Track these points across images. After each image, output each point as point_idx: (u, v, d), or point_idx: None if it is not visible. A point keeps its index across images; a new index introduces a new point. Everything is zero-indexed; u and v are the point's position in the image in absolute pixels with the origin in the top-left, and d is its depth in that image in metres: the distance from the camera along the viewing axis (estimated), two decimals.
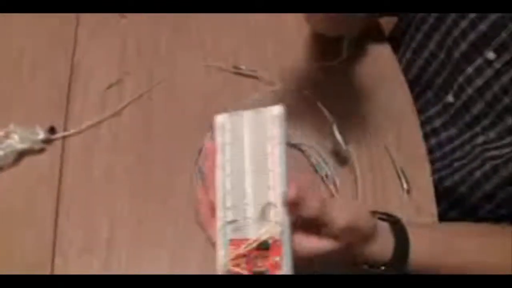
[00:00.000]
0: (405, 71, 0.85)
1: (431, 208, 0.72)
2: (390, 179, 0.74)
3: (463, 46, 0.72)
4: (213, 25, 0.86)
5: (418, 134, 0.78)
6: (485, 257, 0.60)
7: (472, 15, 0.70)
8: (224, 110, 0.73)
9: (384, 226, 0.57)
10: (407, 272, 0.56)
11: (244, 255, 0.48)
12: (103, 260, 0.68)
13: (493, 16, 0.68)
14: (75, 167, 0.74)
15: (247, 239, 0.48)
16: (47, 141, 0.75)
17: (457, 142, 0.77)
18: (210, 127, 0.55)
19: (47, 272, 0.66)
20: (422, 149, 0.77)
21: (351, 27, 0.80)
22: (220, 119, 0.53)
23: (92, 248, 0.68)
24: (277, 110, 0.51)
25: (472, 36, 0.71)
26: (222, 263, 0.49)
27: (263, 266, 0.47)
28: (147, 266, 0.68)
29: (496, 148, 0.70)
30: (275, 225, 0.48)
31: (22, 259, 0.67)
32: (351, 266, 0.56)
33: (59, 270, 0.67)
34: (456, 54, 0.74)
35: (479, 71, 0.71)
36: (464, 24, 0.72)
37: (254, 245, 0.48)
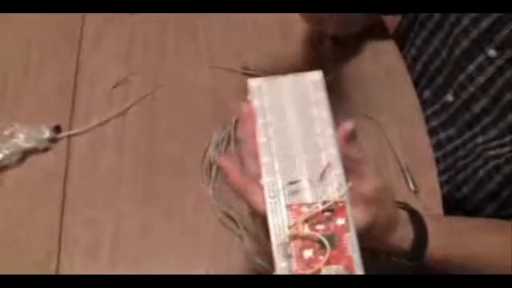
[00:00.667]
0: (409, 69, 0.84)
1: (438, 209, 0.71)
2: (396, 180, 0.73)
3: (465, 43, 0.72)
4: (220, 25, 0.86)
5: (424, 133, 0.78)
6: (495, 250, 0.60)
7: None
8: (231, 111, 0.75)
9: (404, 216, 0.57)
10: (423, 263, 0.57)
11: (306, 220, 0.46)
12: (109, 259, 0.68)
13: (494, 13, 0.68)
14: (81, 166, 0.74)
15: (305, 204, 0.46)
16: (52, 140, 0.75)
17: (457, 142, 0.77)
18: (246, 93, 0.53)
19: (52, 270, 0.66)
20: (428, 149, 0.77)
21: (353, 25, 0.80)
22: (255, 82, 0.53)
23: (97, 248, 0.68)
24: (317, 75, 0.52)
25: (473, 33, 0.71)
26: (280, 230, 0.46)
27: (329, 229, 0.45)
28: (153, 265, 0.68)
29: (497, 147, 0.70)
30: (340, 187, 0.47)
31: (28, 257, 0.67)
32: (373, 255, 0.56)
33: (65, 269, 0.67)
34: (457, 52, 0.73)
35: (480, 68, 0.70)
36: (466, 21, 0.71)
37: (322, 208, 0.46)
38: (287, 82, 0.53)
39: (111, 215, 0.71)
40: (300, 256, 0.44)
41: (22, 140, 0.73)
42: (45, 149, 0.74)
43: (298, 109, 0.51)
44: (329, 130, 0.50)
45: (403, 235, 0.56)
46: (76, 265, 0.67)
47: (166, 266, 0.68)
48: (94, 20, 0.86)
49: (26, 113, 0.77)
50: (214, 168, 0.72)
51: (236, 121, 0.74)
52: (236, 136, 0.52)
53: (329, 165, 0.48)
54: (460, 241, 0.60)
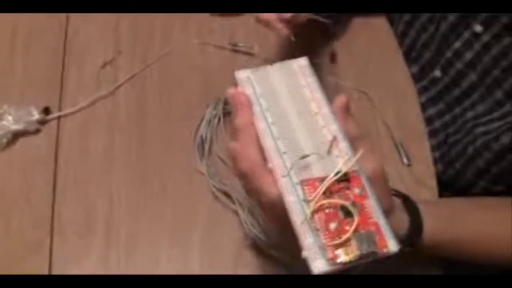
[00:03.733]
0: (398, 44, 0.83)
1: (431, 182, 0.71)
2: (389, 154, 0.74)
3: (451, 18, 0.72)
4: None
5: (416, 108, 0.78)
6: (491, 230, 0.60)
7: None
8: (221, 87, 0.74)
9: (397, 203, 0.57)
10: (419, 248, 0.57)
11: (323, 193, 0.45)
12: (102, 240, 0.67)
13: None
14: (71, 147, 0.74)
15: (317, 178, 0.46)
16: (42, 122, 0.74)
17: (447, 117, 0.77)
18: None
19: (46, 253, 0.66)
20: (421, 123, 0.77)
21: None
22: (242, 74, 0.54)
23: (90, 228, 0.68)
24: (303, 61, 0.54)
25: None
26: (299, 207, 0.45)
27: (349, 199, 0.45)
28: (146, 245, 0.68)
29: (486, 123, 0.70)
30: (351, 157, 0.47)
31: (21, 239, 0.67)
32: None
33: (58, 252, 0.66)
34: (444, 27, 0.73)
35: (467, 45, 0.70)
36: None
37: (336, 178, 0.45)
38: (274, 70, 0.54)
39: (104, 195, 0.70)
40: (326, 229, 0.44)
41: (11, 122, 0.72)
42: (35, 131, 0.74)
43: (290, 92, 0.52)
44: (326, 108, 0.50)
45: (398, 221, 0.55)
46: (69, 246, 0.67)
47: (160, 244, 0.67)
48: None
49: (15, 95, 0.76)
50: (206, 144, 0.72)
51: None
52: (232, 124, 0.51)
53: (334, 138, 0.48)
54: (456, 221, 0.60)
